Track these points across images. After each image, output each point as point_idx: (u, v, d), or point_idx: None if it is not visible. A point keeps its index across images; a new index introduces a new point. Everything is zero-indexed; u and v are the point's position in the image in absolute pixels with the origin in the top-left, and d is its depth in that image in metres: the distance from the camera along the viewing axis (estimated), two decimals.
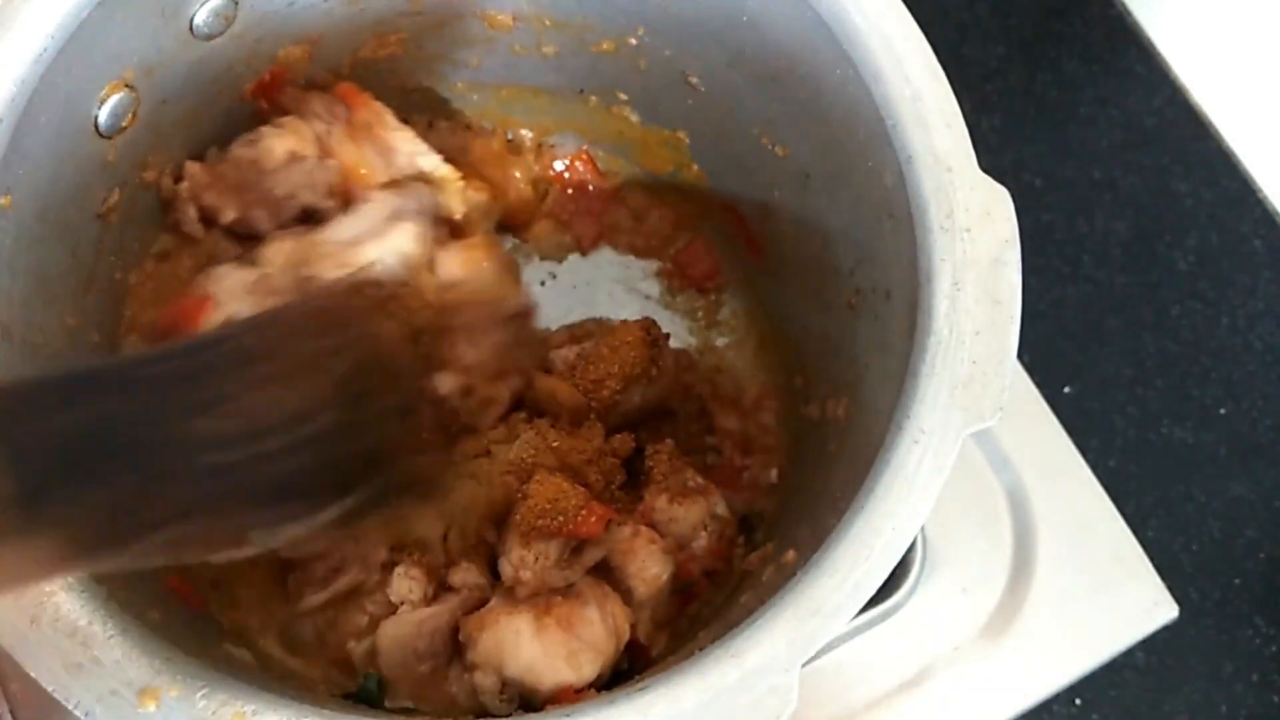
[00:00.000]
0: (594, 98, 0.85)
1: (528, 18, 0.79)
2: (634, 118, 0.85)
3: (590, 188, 0.89)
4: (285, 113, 0.78)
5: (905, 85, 0.62)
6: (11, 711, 0.57)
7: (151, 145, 0.73)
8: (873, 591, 0.54)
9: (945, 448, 0.56)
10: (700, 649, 0.54)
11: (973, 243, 0.59)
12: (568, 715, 0.53)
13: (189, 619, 0.66)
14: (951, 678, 0.84)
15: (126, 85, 0.68)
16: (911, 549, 0.83)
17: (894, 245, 0.63)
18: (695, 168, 0.86)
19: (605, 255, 0.89)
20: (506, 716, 0.65)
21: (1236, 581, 0.92)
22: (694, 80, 0.78)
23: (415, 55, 0.82)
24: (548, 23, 0.79)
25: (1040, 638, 0.85)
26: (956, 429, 0.56)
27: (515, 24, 0.80)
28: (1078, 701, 0.88)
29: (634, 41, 0.78)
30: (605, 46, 0.79)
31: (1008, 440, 0.89)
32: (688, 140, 0.84)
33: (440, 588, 0.72)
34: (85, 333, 0.69)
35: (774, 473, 0.80)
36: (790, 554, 0.61)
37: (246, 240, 0.77)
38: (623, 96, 0.84)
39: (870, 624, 0.83)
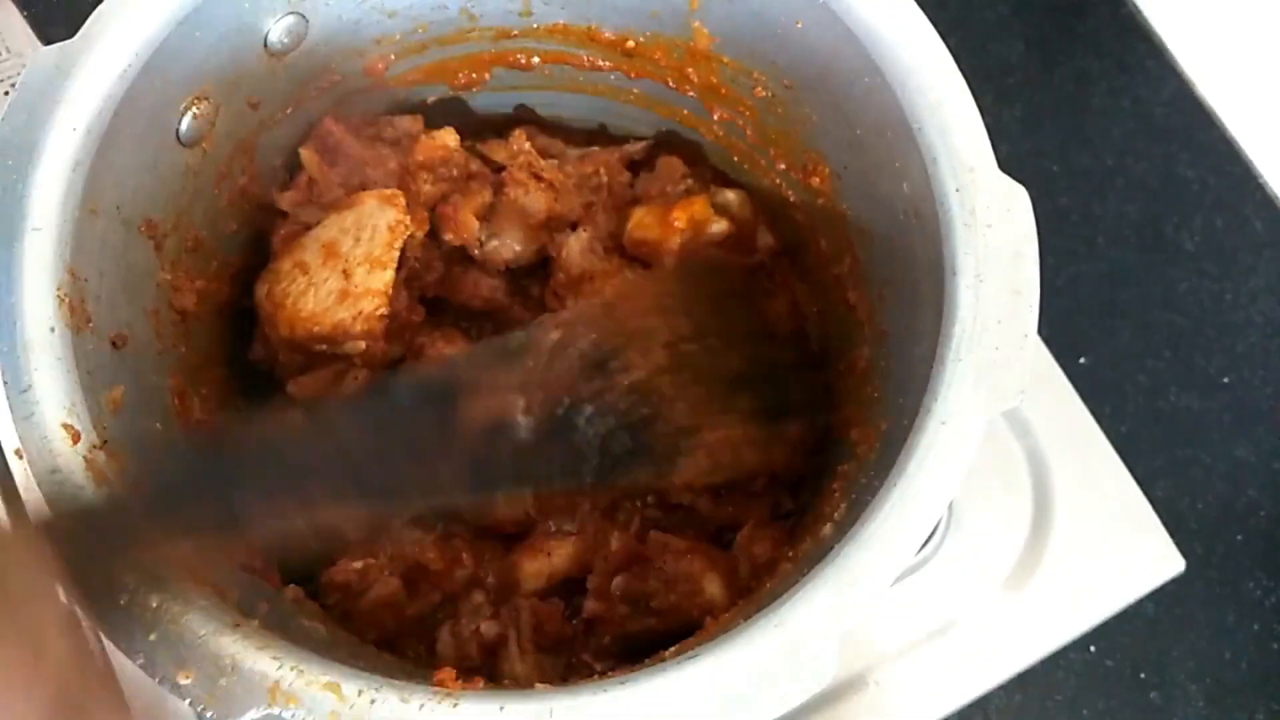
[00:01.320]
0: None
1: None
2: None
3: None
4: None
5: (929, 92, 0.62)
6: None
7: (230, 154, 0.74)
8: (907, 562, 0.54)
9: (971, 429, 0.56)
10: (745, 617, 0.55)
11: (994, 238, 0.59)
12: (621, 683, 0.53)
13: (267, 597, 0.65)
14: (974, 627, 0.85)
15: (205, 98, 0.69)
16: None
17: (920, 241, 0.63)
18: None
19: None
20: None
21: (1239, 538, 0.94)
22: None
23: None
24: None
25: (1057, 590, 0.86)
26: (982, 411, 0.56)
27: (552, 34, 0.80)
28: (1092, 649, 0.90)
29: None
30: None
31: (1028, 407, 0.90)
32: None
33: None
34: (164, 319, 0.70)
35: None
36: (827, 527, 0.61)
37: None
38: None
39: (900, 577, 0.78)
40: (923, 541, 0.57)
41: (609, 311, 0.71)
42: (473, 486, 0.63)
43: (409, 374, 0.75)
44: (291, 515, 0.56)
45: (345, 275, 0.75)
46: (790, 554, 0.70)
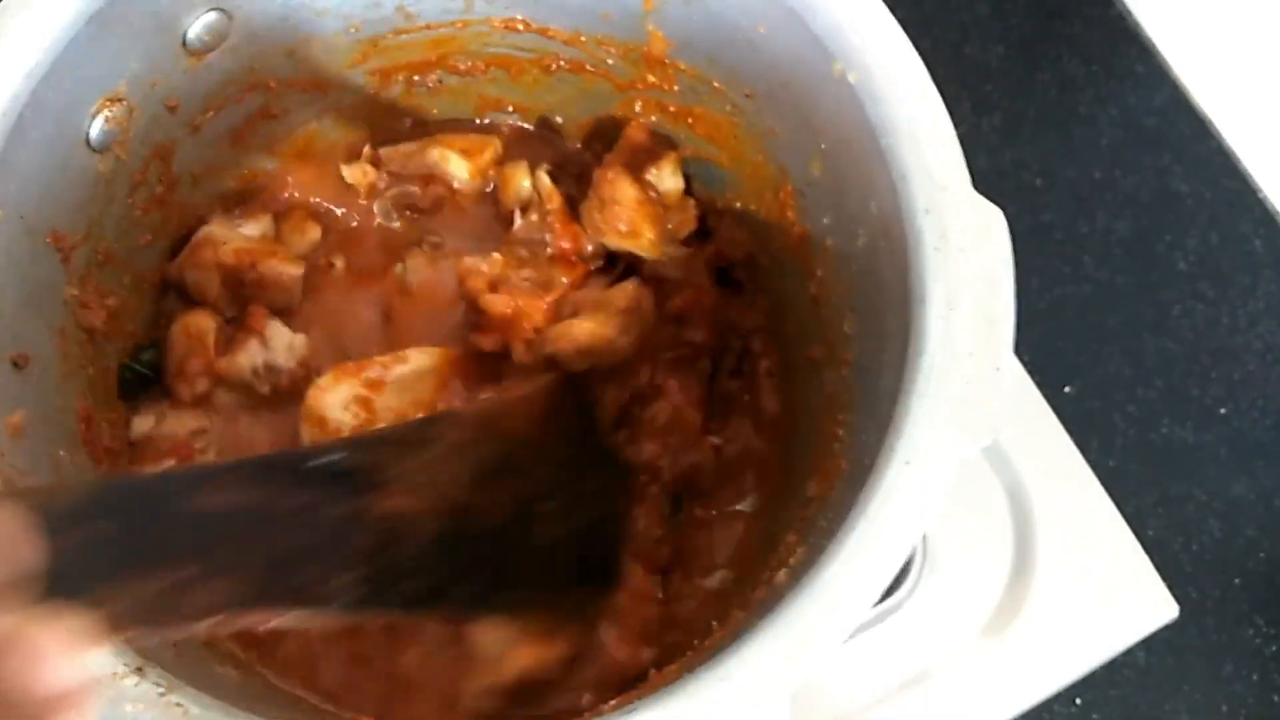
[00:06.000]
0: None
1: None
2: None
3: None
4: None
5: (900, 104, 0.60)
6: None
7: (145, 161, 0.73)
8: (864, 614, 0.53)
9: (939, 470, 0.54)
10: (689, 669, 0.54)
11: (967, 263, 0.58)
12: None
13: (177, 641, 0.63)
14: (952, 677, 0.84)
15: (118, 100, 0.68)
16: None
17: (889, 265, 0.62)
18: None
19: None
20: None
21: (1237, 581, 0.92)
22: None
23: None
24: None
25: (1040, 637, 0.85)
26: (950, 451, 0.55)
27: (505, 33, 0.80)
28: (1078, 701, 0.89)
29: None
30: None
31: (1008, 440, 0.89)
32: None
33: None
34: (70, 338, 0.69)
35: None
36: (782, 574, 0.60)
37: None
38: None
39: (870, 623, 0.83)
40: (883, 592, 0.54)
41: (501, 419, 0.72)
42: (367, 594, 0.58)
43: (311, 449, 0.73)
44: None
45: None
46: (741, 602, 0.69)
